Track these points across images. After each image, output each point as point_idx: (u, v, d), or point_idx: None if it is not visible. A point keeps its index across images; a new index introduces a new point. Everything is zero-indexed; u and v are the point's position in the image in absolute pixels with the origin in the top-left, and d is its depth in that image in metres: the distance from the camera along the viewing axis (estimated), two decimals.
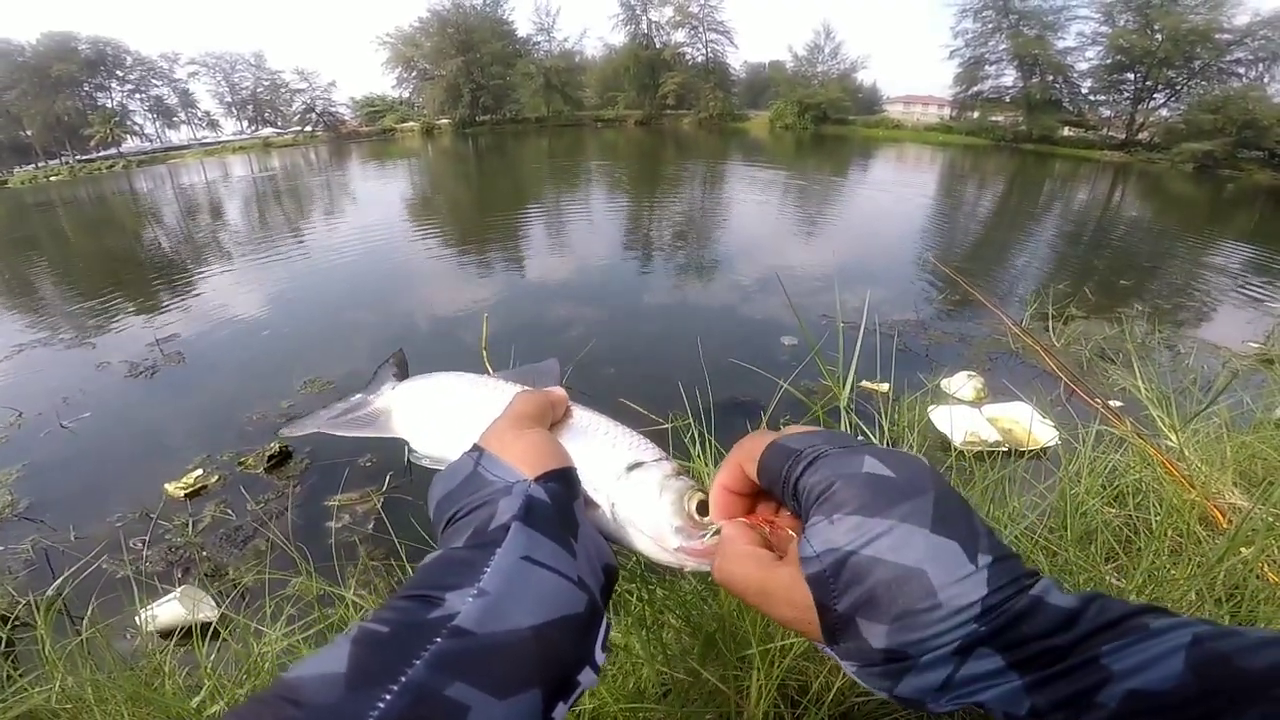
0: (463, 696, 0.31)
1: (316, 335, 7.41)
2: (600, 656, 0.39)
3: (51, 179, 39.34)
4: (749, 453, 0.46)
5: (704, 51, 53.97)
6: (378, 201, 19.32)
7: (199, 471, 4.36)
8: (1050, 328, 6.18)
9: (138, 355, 6.73)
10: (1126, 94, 38.25)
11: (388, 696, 0.29)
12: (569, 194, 18.37)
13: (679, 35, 54.21)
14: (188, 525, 3.83)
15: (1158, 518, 1.49)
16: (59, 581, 1.84)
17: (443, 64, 52.70)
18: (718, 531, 0.48)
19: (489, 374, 0.69)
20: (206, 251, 12.85)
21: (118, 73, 53.04)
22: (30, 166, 48.45)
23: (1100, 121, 41.04)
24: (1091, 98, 40.70)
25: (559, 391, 0.58)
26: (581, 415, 0.59)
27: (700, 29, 53.43)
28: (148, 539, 3.70)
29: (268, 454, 4.42)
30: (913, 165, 29.72)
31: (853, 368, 1.18)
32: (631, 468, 0.53)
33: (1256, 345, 6.51)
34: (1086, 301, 7.34)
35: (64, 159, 49.99)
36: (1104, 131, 40.14)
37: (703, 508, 0.50)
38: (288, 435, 0.67)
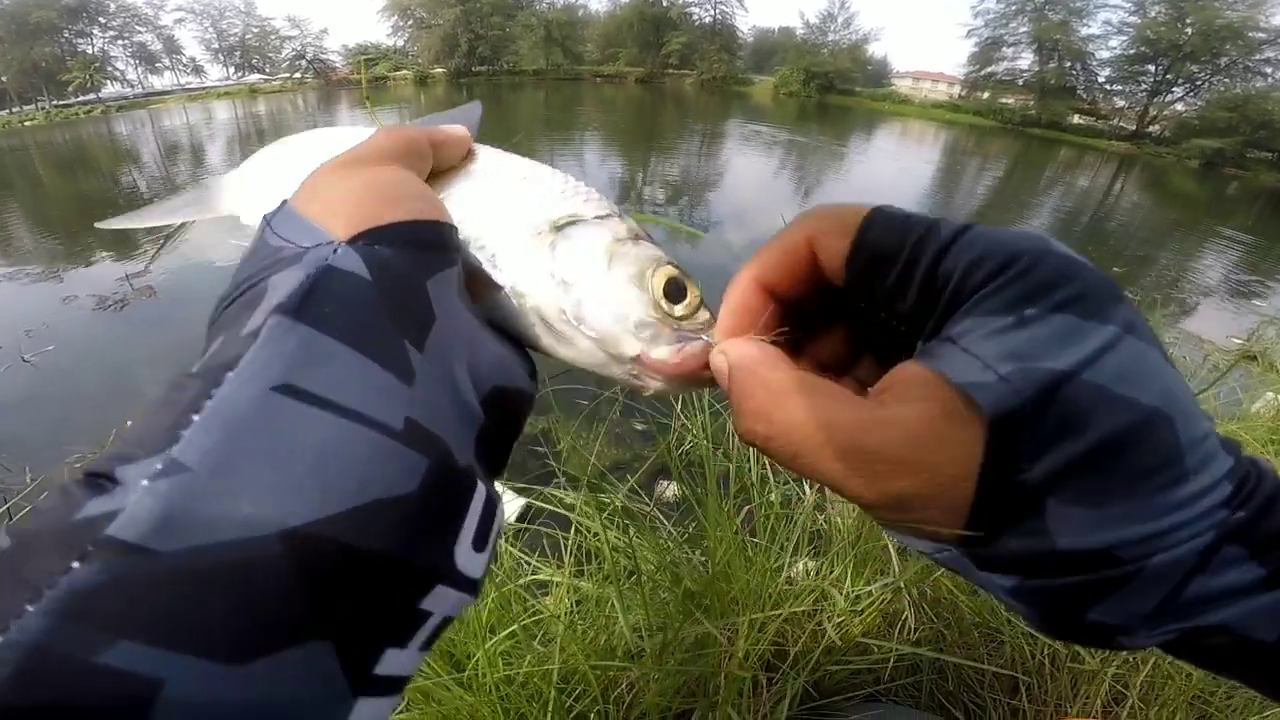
0: (140, 665, 0.16)
1: None
2: (473, 565, 0.23)
3: (26, 124, 37.80)
4: (836, 221, 0.27)
5: (712, 12, 53.17)
6: None
7: None
8: None
9: (107, 290, 6.50)
10: (1144, 86, 38.00)
11: None
12: (563, 147, 18.02)
13: None
14: None
15: None
16: None
17: (440, 12, 51.79)
18: (703, 327, 0.31)
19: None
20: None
21: (100, 19, 51.44)
22: (4, 112, 46.72)
23: (1112, 111, 40.66)
24: (1108, 87, 40.44)
25: (453, 129, 0.35)
26: (491, 158, 0.36)
27: None
28: None
29: None
30: (916, 140, 29.44)
31: None
32: (562, 226, 0.32)
33: (1239, 341, 6.42)
34: None
35: (39, 104, 48.34)
36: (1114, 121, 39.82)
37: (676, 291, 0.31)
38: (106, 226, 0.41)
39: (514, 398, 0.27)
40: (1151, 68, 37.20)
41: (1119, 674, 1.07)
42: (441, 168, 0.34)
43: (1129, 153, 33.57)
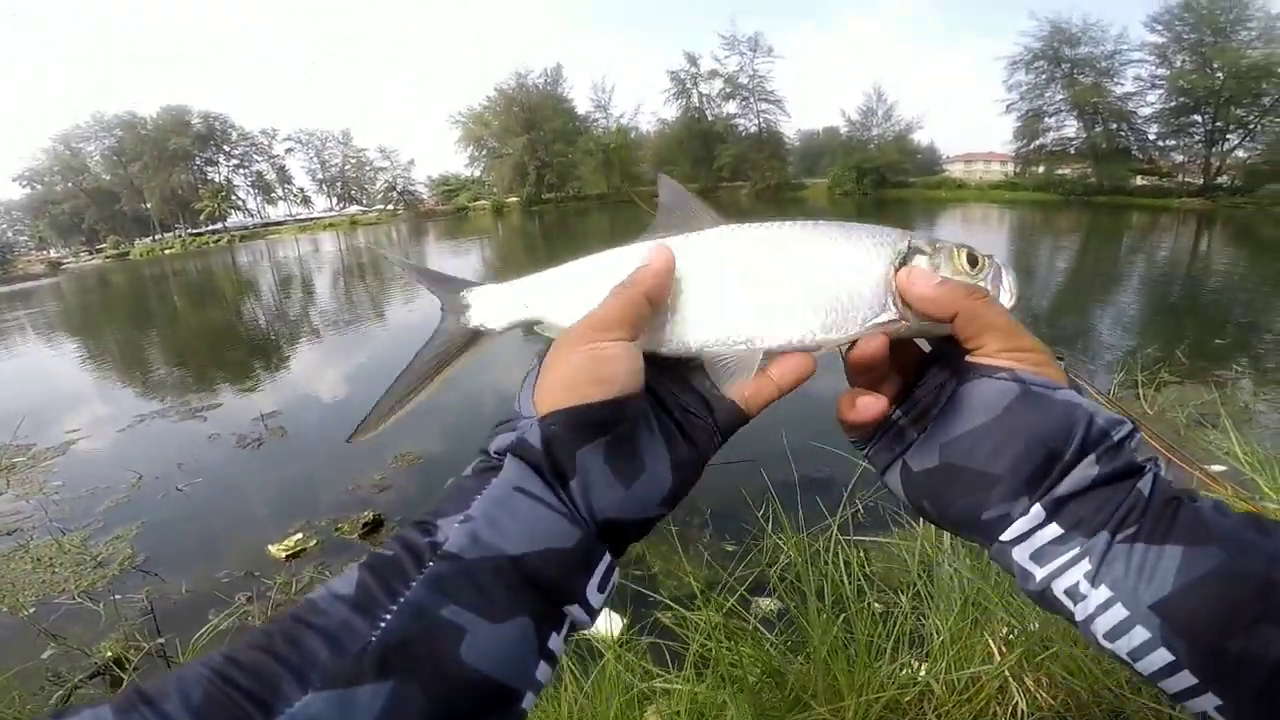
0: (458, 618, 0.34)
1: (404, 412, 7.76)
2: (595, 599, 0.40)
3: (166, 251, 43.27)
4: None
5: (756, 121, 54.86)
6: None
7: (299, 535, 4.69)
8: (1140, 395, 5.93)
9: (245, 428, 7.30)
10: (1197, 137, 36.33)
11: (388, 616, 0.32)
12: None
13: (730, 107, 55.38)
14: (290, 584, 4.11)
15: None
16: (163, 638, 1.99)
17: (509, 141, 55.69)
18: (1000, 267, 0.49)
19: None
20: (298, 327, 14.23)
21: (224, 147, 59.36)
22: (148, 239, 54.07)
23: (1174, 168, 39.08)
24: (1160, 143, 38.91)
25: (656, 264, 0.47)
26: (699, 267, 0.48)
27: (751, 100, 54.44)
28: (254, 595, 3.97)
29: (361, 522, 4.77)
30: (980, 225, 29.11)
31: None
32: (898, 260, 0.48)
33: None
34: (1179, 365, 6.99)
35: (177, 232, 55.64)
36: (1180, 178, 38.20)
37: (974, 259, 0.48)
38: (363, 438, 0.57)
39: (626, 523, 0.41)
40: (1198, 118, 35.68)
41: None
42: (659, 300, 0.46)
43: (1205, 208, 31.98)
